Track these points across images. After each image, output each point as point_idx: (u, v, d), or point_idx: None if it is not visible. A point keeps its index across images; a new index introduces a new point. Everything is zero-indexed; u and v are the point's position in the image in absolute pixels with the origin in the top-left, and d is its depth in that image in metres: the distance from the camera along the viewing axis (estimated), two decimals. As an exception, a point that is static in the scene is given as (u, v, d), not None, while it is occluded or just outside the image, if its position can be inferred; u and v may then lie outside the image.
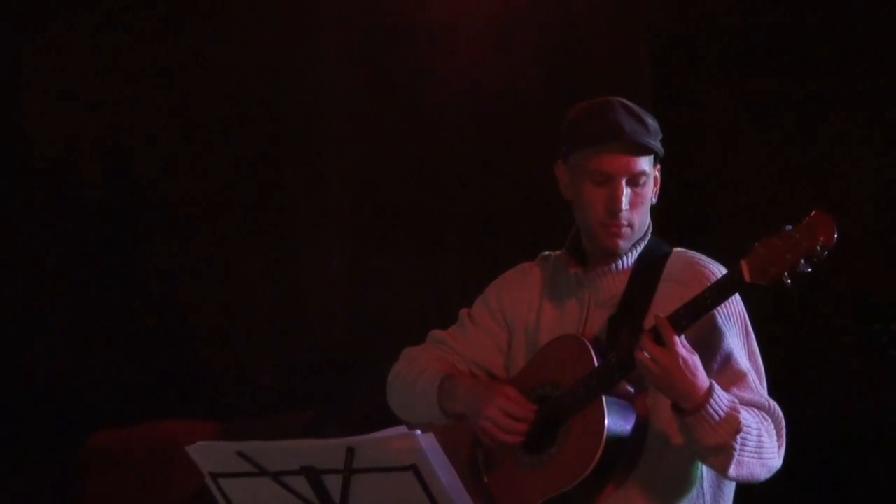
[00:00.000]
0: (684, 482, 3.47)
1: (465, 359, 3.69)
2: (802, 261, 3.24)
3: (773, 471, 3.41)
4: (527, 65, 6.00)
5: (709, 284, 3.37)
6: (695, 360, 3.29)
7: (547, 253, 3.72)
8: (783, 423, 3.42)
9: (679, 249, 3.59)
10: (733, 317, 3.48)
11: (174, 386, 6.21)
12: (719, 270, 3.48)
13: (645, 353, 3.27)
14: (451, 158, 6.10)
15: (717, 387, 3.30)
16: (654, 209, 3.57)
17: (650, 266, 3.53)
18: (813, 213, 3.25)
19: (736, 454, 3.30)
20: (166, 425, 5.92)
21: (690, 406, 3.28)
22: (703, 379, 3.29)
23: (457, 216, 6.11)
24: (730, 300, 3.43)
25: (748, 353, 3.48)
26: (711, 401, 3.27)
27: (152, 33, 6.28)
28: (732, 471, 3.32)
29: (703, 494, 3.49)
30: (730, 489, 3.54)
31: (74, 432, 6.01)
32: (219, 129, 6.30)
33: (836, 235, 3.23)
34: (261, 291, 6.28)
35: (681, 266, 3.53)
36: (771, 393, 3.50)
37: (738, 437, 3.29)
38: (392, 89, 6.16)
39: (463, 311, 3.75)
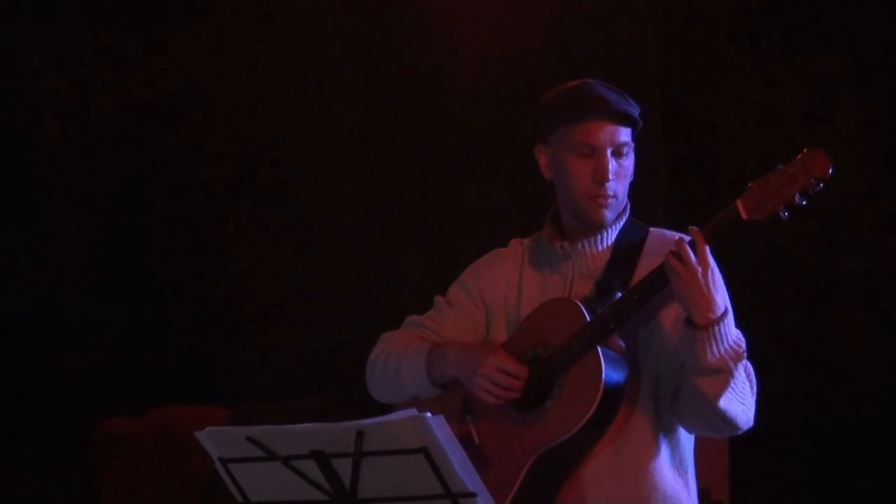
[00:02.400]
0: (671, 439, 3.54)
1: (444, 340, 3.73)
2: (798, 195, 3.32)
3: (746, 426, 3.48)
4: (534, 46, 5.98)
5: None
6: (720, 279, 3.39)
7: (519, 239, 3.79)
8: (755, 385, 3.48)
9: (656, 229, 3.68)
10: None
11: (184, 372, 6.22)
12: None
13: (675, 260, 3.35)
14: (463, 147, 6.09)
15: (731, 314, 3.38)
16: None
17: (631, 242, 3.62)
18: (805, 149, 3.34)
19: (732, 382, 3.36)
20: (176, 411, 5.92)
21: (703, 321, 3.34)
22: (722, 299, 3.39)
23: (468, 203, 6.10)
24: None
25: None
26: (725, 322, 3.35)
27: (165, 29, 6.28)
28: (723, 400, 3.37)
29: (681, 452, 3.56)
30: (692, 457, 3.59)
31: (85, 420, 6.02)
32: (233, 119, 6.30)
33: (830, 169, 3.32)
34: (270, 278, 6.28)
35: (661, 241, 3.61)
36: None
37: (739, 365, 3.37)
38: (401, 80, 6.15)
39: (438, 297, 3.83)
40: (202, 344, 6.26)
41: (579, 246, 3.62)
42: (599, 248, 3.62)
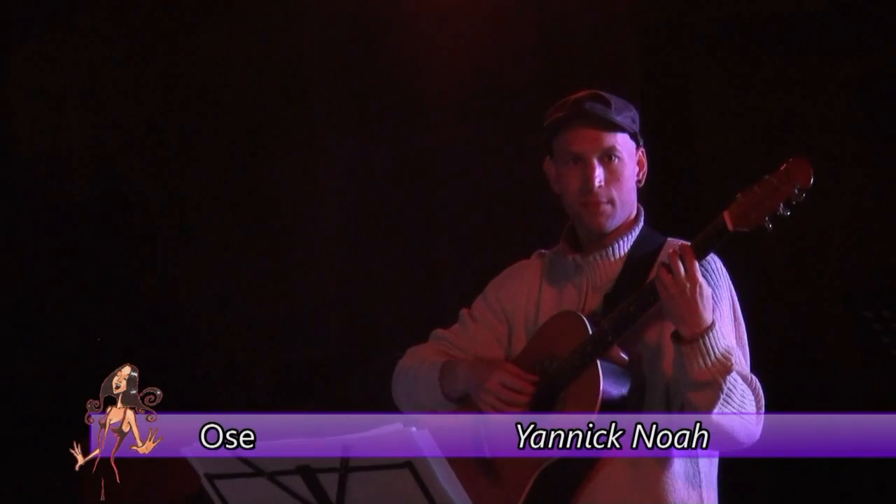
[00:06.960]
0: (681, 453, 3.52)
1: (466, 354, 3.76)
2: (782, 205, 3.34)
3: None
4: (515, 57, 6.00)
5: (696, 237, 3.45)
6: (708, 294, 3.39)
7: (543, 250, 3.80)
8: (763, 400, 3.47)
9: (673, 238, 3.67)
10: (724, 300, 3.56)
11: (170, 387, 6.20)
12: (712, 259, 3.55)
13: (666, 273, 3.36)
14: (443, 156, 6.10)
15: (718, 327, 3.39)
16: (642, 195, 3.63)
17: (645, 252, 3.63)
18: (790, 159, 3.35)
19: (723, 394, 3.35)
20: (162, 427, 5.91)
21: (690, 334, 3.37)
22: (709, 313, 3.38)
23: (449, 213, 6.11)
24: (721, 286, 3.54)
25: (736, 336, 3.56)
26: (710, 334, 3.37)
27: (138, 35, 6.28)
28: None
29: (698, 467, 3.55)
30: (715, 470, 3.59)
31: (70, 434, 6.00)
32: (212, 130, 6.30)
33: (812, 178, 3.33)
34: (255, 291, 6.28)
35: None
36: (766, 381, 3.53)
37: (728, 377, 3.36)
38: (383, 86, 6.16)
39: (463, 311, 3.84)
40: (188, 358, 6.25)
41: (591, 258, 3.64)
42: (612, 259, 3.64)
